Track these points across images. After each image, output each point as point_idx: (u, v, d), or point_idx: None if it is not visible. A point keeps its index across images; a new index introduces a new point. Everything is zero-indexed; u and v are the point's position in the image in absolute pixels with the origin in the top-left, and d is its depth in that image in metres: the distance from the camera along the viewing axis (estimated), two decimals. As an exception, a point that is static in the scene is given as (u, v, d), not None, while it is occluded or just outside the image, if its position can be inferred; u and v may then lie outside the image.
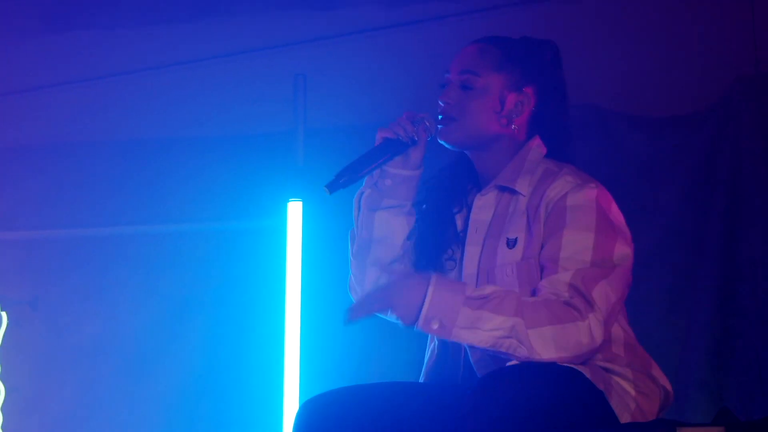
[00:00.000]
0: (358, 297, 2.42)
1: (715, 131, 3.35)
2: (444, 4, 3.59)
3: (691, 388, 3.22)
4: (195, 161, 3.69)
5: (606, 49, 3.49)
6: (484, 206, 2.33)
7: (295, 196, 3.47)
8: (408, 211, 2.40)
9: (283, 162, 3.56)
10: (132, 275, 3.70)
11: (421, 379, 2.41)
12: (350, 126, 3.56)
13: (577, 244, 2.17)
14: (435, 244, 2.38)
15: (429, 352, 2.44)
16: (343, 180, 2.29)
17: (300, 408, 2.34)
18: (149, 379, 3.64)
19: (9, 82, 3.90)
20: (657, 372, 2.26)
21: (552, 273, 2.15)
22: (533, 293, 2.17)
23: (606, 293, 2.13)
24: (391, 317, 2.13)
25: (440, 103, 2.35)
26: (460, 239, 2.37)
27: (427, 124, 2.34)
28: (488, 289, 2.10)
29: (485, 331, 2.06)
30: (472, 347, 2.17)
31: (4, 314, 3.74)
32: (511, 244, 2.26)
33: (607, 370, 2.18)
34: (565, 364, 2.08)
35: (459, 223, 2.39)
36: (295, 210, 3.45)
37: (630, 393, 2.18)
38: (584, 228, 2.18)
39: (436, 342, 2.41)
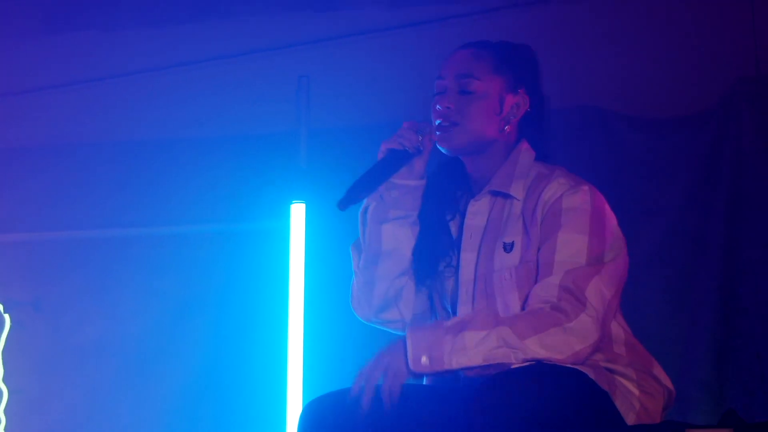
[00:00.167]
0: (364, 312, 2.42)
1: (716, 132, 3.37)
2: (446, 5, 3.59)
3: (692, 387, 3.23)
4: (198, 162, 3.69)
5: (607, 50, 3.50)
6: (477, 212, 2.34)
7: (298, 197, 3.47)
8: (413, 222, 2.39)
9: (286, 163, 3.57)
10: (135, 277, 3.71)
11: (425, 381, 2.42)
12: (353, 127, 3.56)
13: (571, 246, 2.18)
14: (431, 254, 2.37)
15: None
16: (355, 195, 2.28)
17: (304, 409, 2.33)
18: (152, 381, 3.64)
19: (9, 82, 3.90)
20: (659, 371, 2.27)
21: (546, 275, 2.17)
22: (527, 298, 2.18)
23: (599, 289, 2.14)
24: (395, 380, 2.13)
25: (437, 108, 2.33)
26: (456, 246, 2.37)
27: (429, 132, 2.33)
28: (463, 316, 2.14)
29: (475, 348, 2.07)
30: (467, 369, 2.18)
31: (7, 316, 3.75)
32: (508, 248, 2.26)
33: (610, 370, 2.19)
34: (567, 365, 2.08)
35: (453, 230, 2.39)
36: (298, 212, 3.45)
37: (634, 393, 2.19)
38: (578, 230, 2.19)
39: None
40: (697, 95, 3.41)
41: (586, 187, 2.25)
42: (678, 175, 3.40)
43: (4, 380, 3.73)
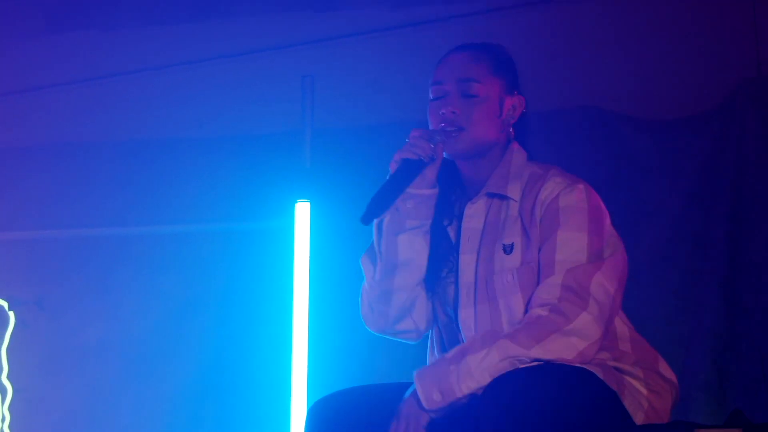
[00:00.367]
0: (379, 324, 2.41)
1: (718, 133, 3.37)
2: (449, 5, 3.60)
3: (695, 388, 3.24)
4: (202, 161, 3.70)
5: (609, 51, 3.51)
6: (474, 214, 2.33)
7: (303, 196, 3.46)
8: (426, 231, 2.37)
9: (290, 162, 3.56)
10: (139, 276, 3.71)
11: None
12: (358, 126, 3.56)
13: (571, 245, 2.19)
14: (433, 260, 2.37)
15: (430, 357, 2.45)
16: (377, 209, 2.25)
17: (310, 409, 2.34)
18: (156, 380, 3.64)
19: (10, 82, 3.90)
20: (664, 367, 2.28)
21: (548, 275, 2.18)
22: (530, 300, 2.19)
23: (602, 285, 2.15)
24: (417, 426, 2.13)
25: (442, 113, 2.30)
26: (455, 250, 2.36)
27: (440, 139, 2.29)
28: (462, 344, 2.15)
29: (479, 369, 2.08)
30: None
31: (11, 314, 3.74)
32: (508, 250, 2.26)
33: (618, 369, 2.19)
34: (576, 365, 2.09)
35: (452, 234, 2.38)
36: (303, 211, 3.44)
37: (642, 392, 2.20)
38: (577, 228, 2.20)
39: (436, 346, 2.42)
40: (699, 96, 3.42)
41: (581, 185, 2.26)
42: (680, 175, 3.40)
43: (9, 378, 3.72)
